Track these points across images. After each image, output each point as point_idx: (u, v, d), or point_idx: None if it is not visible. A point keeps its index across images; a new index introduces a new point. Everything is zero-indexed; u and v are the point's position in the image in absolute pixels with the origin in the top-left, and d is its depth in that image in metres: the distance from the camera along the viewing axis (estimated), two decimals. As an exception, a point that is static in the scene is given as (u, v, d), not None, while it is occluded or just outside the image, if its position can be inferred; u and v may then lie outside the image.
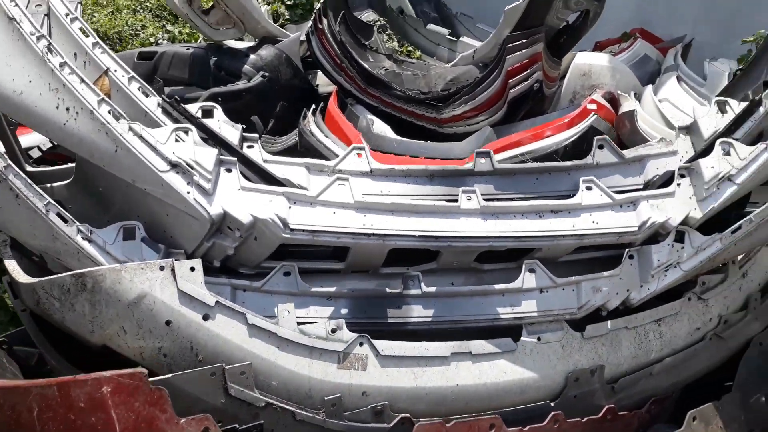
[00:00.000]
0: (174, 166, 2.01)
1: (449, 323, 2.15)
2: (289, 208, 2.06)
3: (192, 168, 2.02)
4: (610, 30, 4.65)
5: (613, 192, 2.24)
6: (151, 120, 2.21)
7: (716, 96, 3.38)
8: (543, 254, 2.22)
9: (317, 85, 4.60)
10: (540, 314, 2.17)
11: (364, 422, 1.98)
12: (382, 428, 1.97)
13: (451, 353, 2.06)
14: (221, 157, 2.10)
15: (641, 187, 2.32)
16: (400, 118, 4.20)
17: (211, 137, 2.17)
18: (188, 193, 2.00)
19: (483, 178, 2.28)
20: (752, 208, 2.47)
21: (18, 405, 1.61)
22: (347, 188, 2.12)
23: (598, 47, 4.76)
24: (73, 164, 2.28)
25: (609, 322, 2.23)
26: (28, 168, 2.49)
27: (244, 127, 2.36)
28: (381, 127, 4.09)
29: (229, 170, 2.09)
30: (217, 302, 1.90)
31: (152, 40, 4.88)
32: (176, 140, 2.08)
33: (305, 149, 4.08)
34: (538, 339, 2.16)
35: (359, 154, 2.26)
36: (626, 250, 2.22)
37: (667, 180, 2.30)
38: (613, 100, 3.84)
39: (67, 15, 2.35)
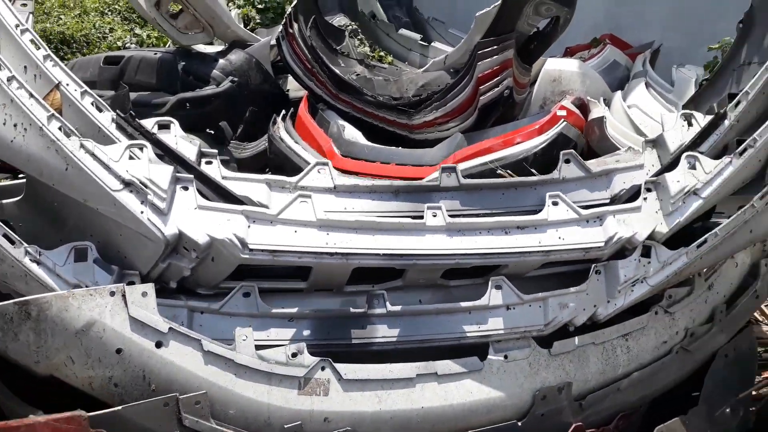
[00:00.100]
0: (127, 184, 1.90)
1: (415, 342, 2.06)
2: (249, 227, 1.95)
3: (146, 186, 1.90)
4: (581, 35, 4.60)
5: (580, 207, 2.17)
6: (104, 136, 2.08)
7: (683, 105, 3.35)
8: (510, 270, 2.15)
9: (288, 90, 4.47)
10: (507, 332, 2.10)
11: (326, 449, 1.89)
12: (345, 454, 1.88)
13: (417, 374, 1.97)
14: (177, 174, 1.98)
15: (608, 201, 2.25)
16: (371, 124, 4.10)
17: (167, 153, 2.05)
18: (142, 212, 1.88)
19: (449, 194, 2.19)
20: (718, 218, 2.44)
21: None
22: (309, 205, 2.02)
23: (569, 53, 4.71)
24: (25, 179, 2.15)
25: (576, 338, 2.16)
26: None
27: (208, 139, 2.25)
28: (352, 133, 3.99)
29: (185, 188, 1.98)
30: (170, 328, 1.79)
31: (120, 44, 4.70)
32: (130, 157, 1.96)
33: (275, 155, 3.96)
34: (505, 357, 2.08)
35: (322, 170, 2.16)
36: (593, 265, 2.16)
37: (633, 194, 2.24)
38: (583, 106, 3.79)
39: (17, 26, 2.20)
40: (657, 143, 2.37)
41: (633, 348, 2.23)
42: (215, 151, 2.14)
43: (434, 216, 2.08)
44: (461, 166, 3.50)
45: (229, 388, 1.81)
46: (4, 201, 2.16)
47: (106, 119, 2.11)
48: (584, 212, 2.14)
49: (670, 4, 4.89)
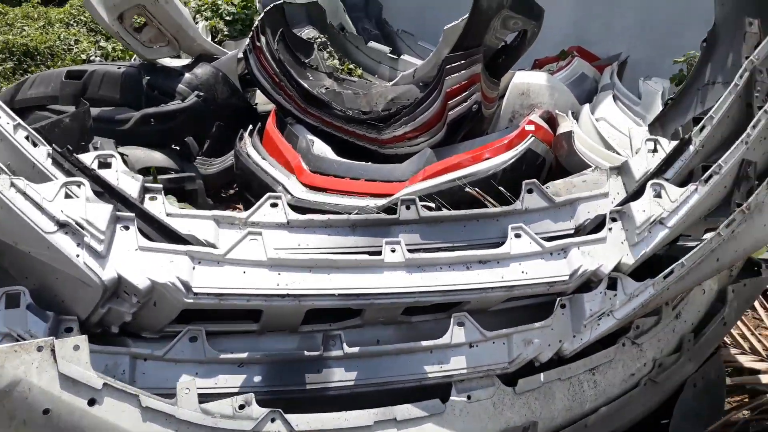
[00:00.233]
0: (62, 225, 1.69)
1: (374, 386, 1.88)
2: (193, 268, 1.76)
3: (82, 228, 1.70)
4: (549, 48, 4.47)
5: (544, 238, 2.02)
6: (39, 173, 1.88)
7: (649, 124, 3.23)
8: (472, 306, 1.99)
9: (256, 104, 4.28)
10: (470, 370, 1.93)
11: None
12: None
13: (374, 422, 1.80)
14: (118, 213, 1.79)
15: (572, 231, 2.11)
16: (341, 139, 3.94)
17: (107, 191, 1.86)
18: (78, 255, 1.68)
19: (408, 227, 2.02)
20: (684, 242, 2.31)
21: None
22: (260, 243, 1.84)
23: (537, 65, 4.58)
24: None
25: (542, 375, 2.00)
26: None
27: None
28: (321, 148, 3.83)
29: (126, 228, 1.78)
30: (104, 384, 1.59)
31: (85, 56, 4.46)
32: (66, 195, 1.76)
33: (242, 171, 3.78)
34: (468, 398, 1.92)
35: (275, 204, 1.99)
36: (558, 299, 2.01)
37: (599, 224, 2.10)
38: (551, 120, 3.66)
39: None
40: (622, 170, 2.23)
41: (600, 382, 2.09)
42: (160, 186, 1.95)
43: (393, 251, 1.91)
44: (430, 182, 3.37)
45: (171, 446, 1.64)
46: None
47: (41, 154, 1.90)
48: (548, 245, 1.99)
49: (636, 16, 4.78)
